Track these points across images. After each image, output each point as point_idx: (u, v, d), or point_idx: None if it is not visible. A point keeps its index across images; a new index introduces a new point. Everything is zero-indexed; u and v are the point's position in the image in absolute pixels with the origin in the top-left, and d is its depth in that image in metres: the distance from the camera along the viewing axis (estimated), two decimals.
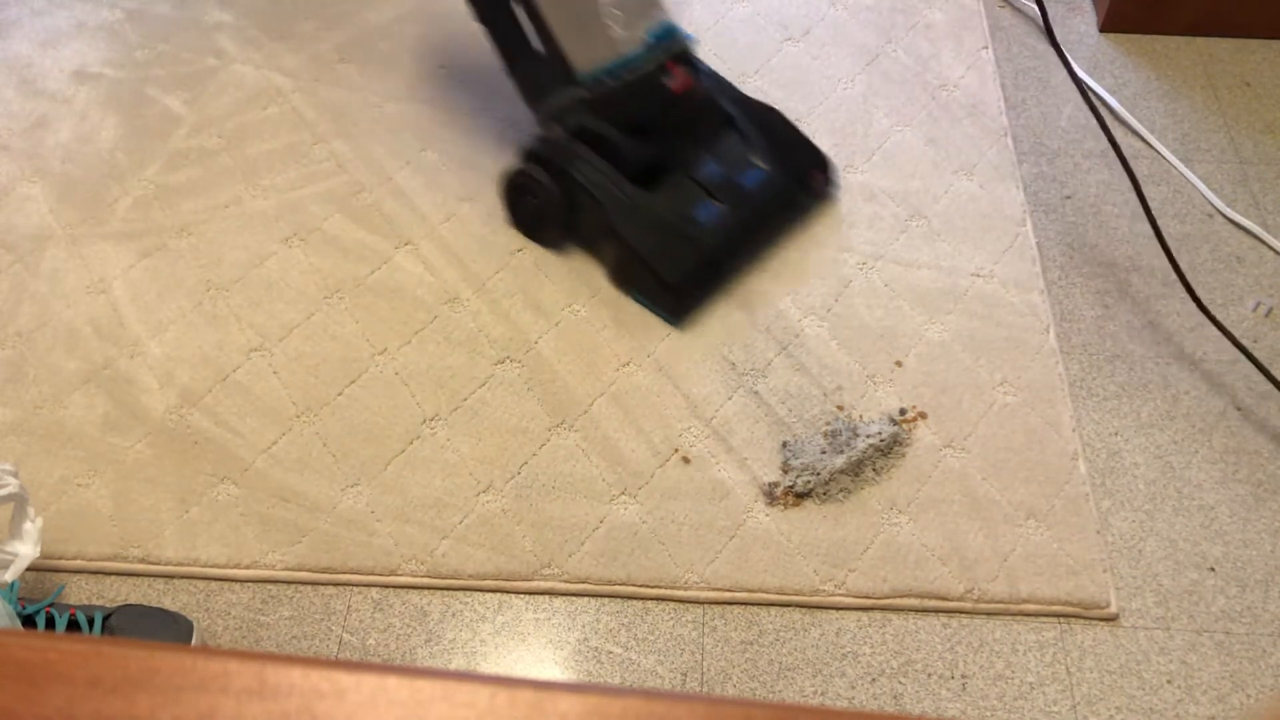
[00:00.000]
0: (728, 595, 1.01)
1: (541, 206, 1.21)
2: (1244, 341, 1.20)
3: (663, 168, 1.19)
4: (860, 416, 1.13)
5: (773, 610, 1.01)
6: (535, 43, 1.19)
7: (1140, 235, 1.30)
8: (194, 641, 0.96)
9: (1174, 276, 1.26)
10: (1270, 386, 1.15)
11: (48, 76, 1.46)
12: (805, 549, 1.03)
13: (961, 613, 1.01)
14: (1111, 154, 1.39)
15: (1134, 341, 1.20)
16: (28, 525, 0.92)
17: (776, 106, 1.28)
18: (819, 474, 1.07)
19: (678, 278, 1.16)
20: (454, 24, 1.53)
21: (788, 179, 1.24)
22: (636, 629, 1.00)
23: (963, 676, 0.97)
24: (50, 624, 0.94)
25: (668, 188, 1.19)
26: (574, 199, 1.18)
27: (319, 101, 1.42)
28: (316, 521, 1.05)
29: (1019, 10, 1.57)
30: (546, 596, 1.02)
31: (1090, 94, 1.35)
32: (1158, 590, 1.02)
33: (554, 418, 1.12)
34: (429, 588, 1.02)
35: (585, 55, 1.14)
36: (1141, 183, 1.35)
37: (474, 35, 1.52)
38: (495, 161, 1.35)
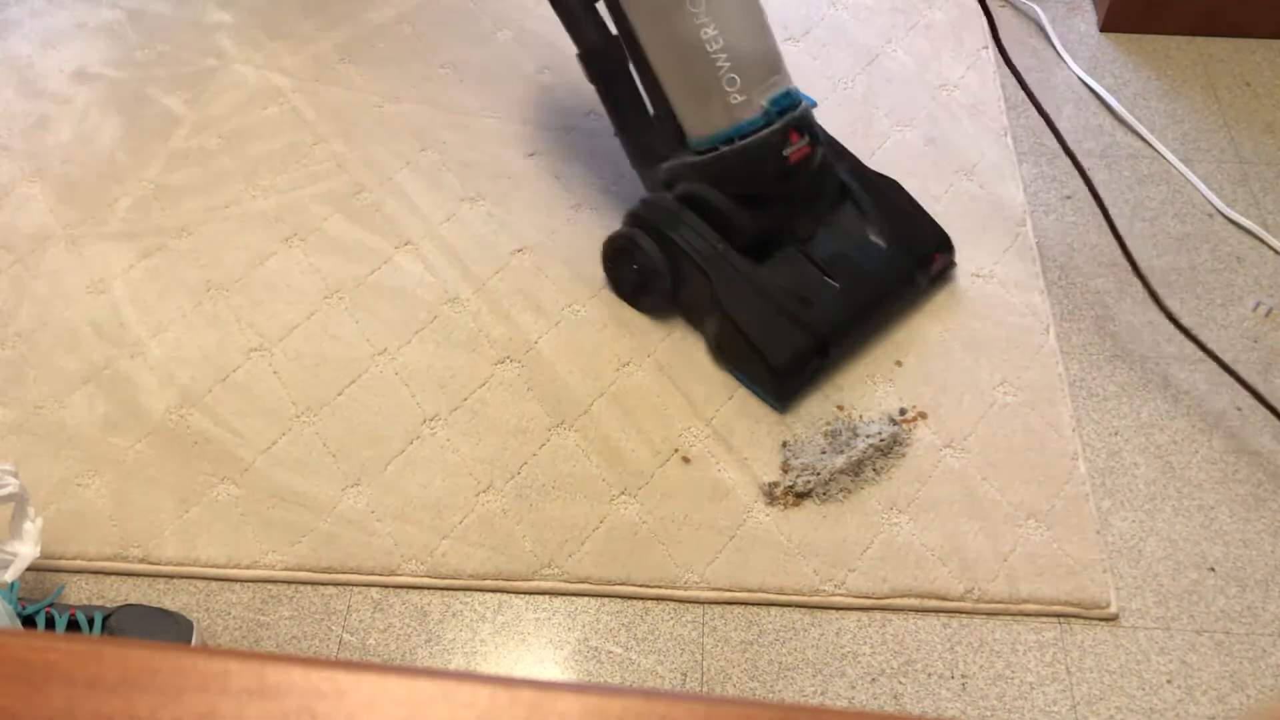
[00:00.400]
0: (728, 595, 1.01)
1: (644, 273, 1.16)
2: (1244, 341, 1.20)
3: (775, 241, 1.14)
4: (860, 416, 1.13)
5: (773, 610, 1.01)
6: (648, 104, 1.15)
7: (1140, 235, 1.30)
8: (194, 641, 0.96)
9: (1174, 276, 1.26)
10: (1270, 386, 1.15)
11: (48, 76, 1.46)
12: (805, 549, 1.03)
13: (961, 613, 1.01)
14: (1111, 154, 1.39)
15: (1134, 341, 1.20)
16: (28, 525, 0.92)
17: (898, 180, 1.22)
18: (819, 474, 1.07)
19: (785, 361, 1.09)
20: (455, 24, 1.53)
21: (907, 258, 1.18)
22: (636, 629, 1.00)
23: (963, 676, 0.97)
24: (50, 624, 0.94)
25: (779, 262, 1.13)
26: (679, 268, 1.13)
27: (319, 101, 1.42)
28: (316, 521, 1.05)
29: (1019, 10, 1.57)
30: (546, 596, 1.02)
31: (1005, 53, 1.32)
32: (1158, 590, 1.02)
33: (554, 418, 1.12)
34: (429, 588, 1.02)
35: (700, 121, 1.09)
36: (1142, 183, 1.35)
37: (475, 35, 1.52)
38: (495, 160, 1.35)
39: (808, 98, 1.15)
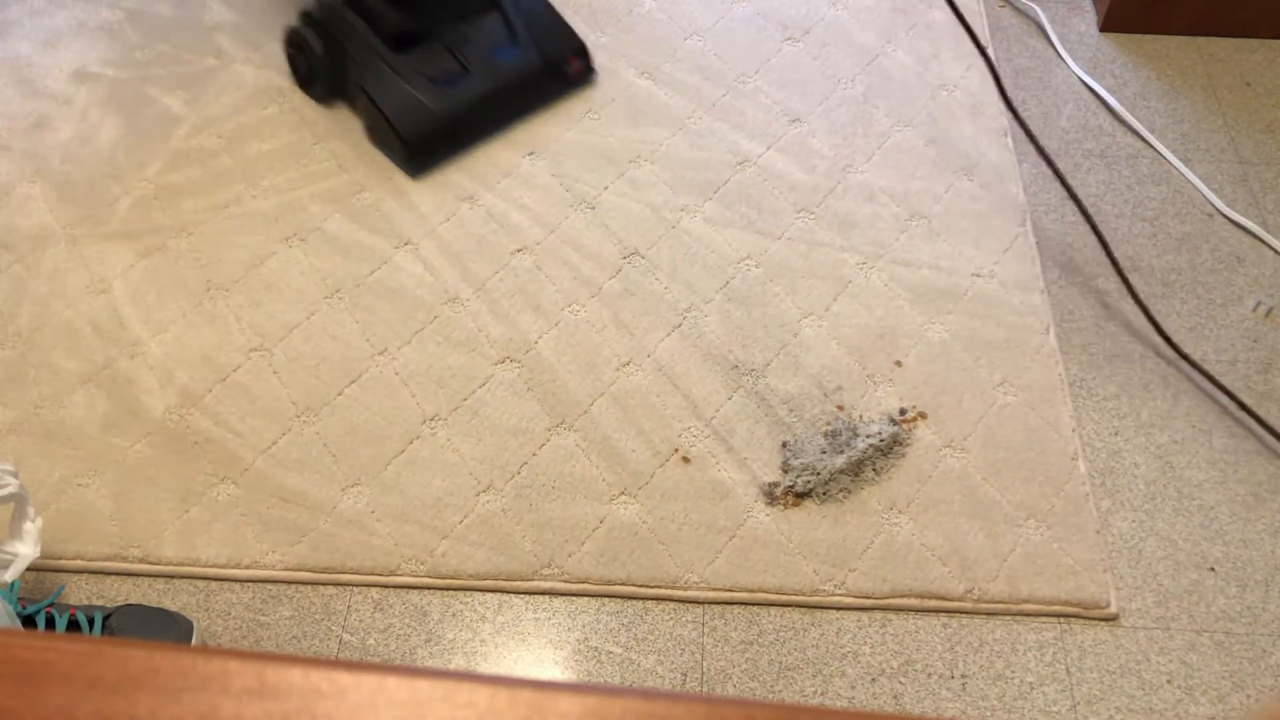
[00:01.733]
0: (728, 595, 1.01)
1: (311, 64, 1.35)
2: (1244, 341, 1.20)
3: (422, 38, 1.31)
4: (860, 416, 1.13)
5: (773, 610, 1.01)
6: None
7: (1140, 235, 1.30)
8: (194, 641, 0.96)
9: (1174, 276, 1.26)
10: (1270, 386, 1.15)
11: (48, 76, 1.46)
12: (805, 549, 1.03)
13: (961, 613, 1.01)
14: (1111, 154, 1.39)
15: (1134, 341, 1.20)
16: (28, 525, 0.92)
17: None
18: (819, 474, 1.07)
19: (415, 135, 1.28)
20: None
21: (541, 60, 1.35)
22: (636, 629, 1.00)
23: (963, 676, 0.97)
24: (50, 624, 0.94)
25: (422, 53, 1.30)
26: (337, 59, 1.32)
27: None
28: (316, 521, 1.05)
29: (1019, 10, 1.57)
30: (546, 596, 1.02)
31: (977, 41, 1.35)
32: (1158, 590, 1.02)
33: (554, 418, 1.12)
34: (429, 588, 1.02)
35: None
36: (1141, 183, 1.35)
37: None
38: (495, 161, 1.35)
39: None
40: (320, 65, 1.34)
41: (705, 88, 1.44)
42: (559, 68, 1.37)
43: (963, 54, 1.49)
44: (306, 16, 1.35)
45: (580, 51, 1.40)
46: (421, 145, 1.30)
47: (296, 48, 1.37)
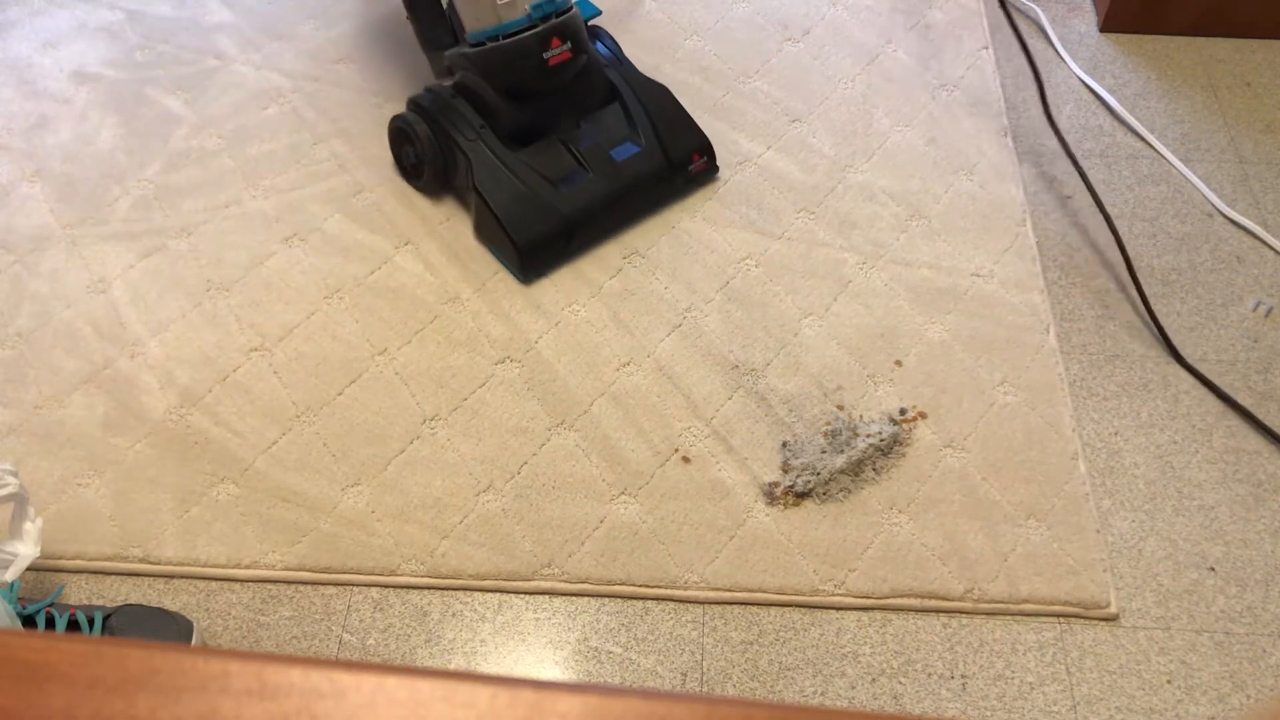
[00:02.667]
0: (728, 595, 1.01)
1: (419, 156, 1.26)
2: (1244, 341, 1.20)
3: (539, 132, 1.24)
4: (860, 416, 1.13)
5: (773, 610, 1.01)
6: None
7: (1140, 235, 1.30)
8: (194, 641, 0.96)
9: (1174, 276, 1.26)
10: (1270, 386, 1.15)
11: (48, 76, 1.46)
12: (805, 549, 1.03)
13: (961, 613, 1.01)
14: (1111, 154, 1.39)
15: (1134, 341, 1.20)
16: (28, 525, 0.92)
17: (668, 87, 1.32)
18: (819, 474, 1.07)
19: (528, 238, 1.20)
20: None
21: (664, 157, 1.27)
22: (636, 629, 1.00)
23: (963, 676, 0.97)
24: (50, 624, 0.94)
25: (538, 150, 1.23)
26: (447, 152, 1.23)
27: (319, 101, 1.42)
28: (316, 521, 1.05)
29: (1019, 10, 1.57)
30: (546, 596, 1.02)
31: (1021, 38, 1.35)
32: (1158, 590, 1.02)
33: (554, 418, 1.12)
34: (429, 588, 1.02)
35: (473, 15, 1.19)
36: (1142, 183, 1.35)
37: None
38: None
39: (591, 8, 1.28)
40: (429, 157, 1.24)
41: (705, 88, 1.44)
42: (682, 166, 1.28)
43: (963, 54, 1.49)
44: (415, 104, 1.26)
45: (704, 148, 1.30)
46: (535, 249, 1.20)
47: (403, 137, 1.27)
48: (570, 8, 1.22)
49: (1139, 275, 1.23)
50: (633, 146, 1.26)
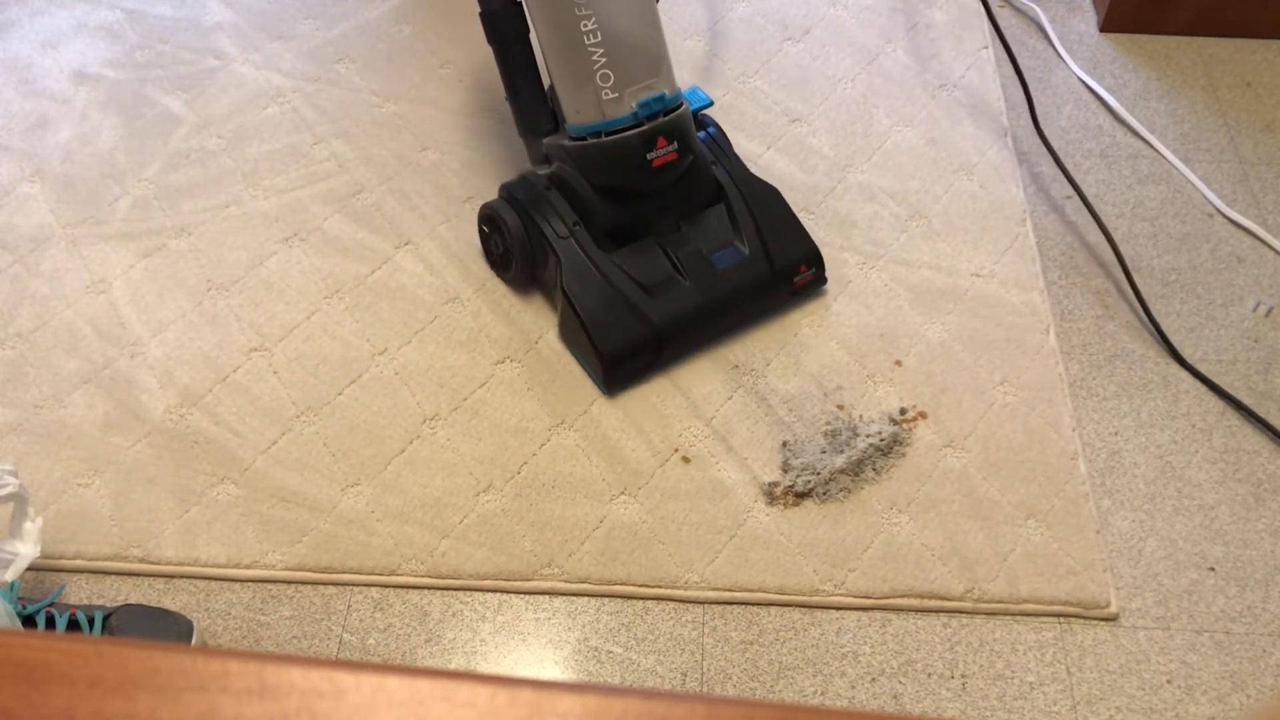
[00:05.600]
0: (728, 595, 1.01)
1: (506, 248, 1.17)
2: (1244, 341, 1.20)
3: (637, 232, 1.15)
4: (860, 416, 1.13)
5: (773, 610, 1.01)
6: (547, 78, 1.16)
7: (1140, 235, 1.30)
8: (194, 641, 0.96)
9: (1174, 276, 1.26)
10: (1270, 386, 1.15)
11: (48, 76, 1.46)
12: (805, 549, 1.03)
13: (961, 613, 1.01)
14: (1111, 154, 1.39)
15: (1134, 341, 1.20)
16: (28, 525, 0.92)
17: (779, 189, 1.21)
18: (819, 474, 1.07)
19: (613, 348, 1.10)
20: (454, 23, 1.53)
21: (768, 266, 1.16)
22: (636, 629, 1.00)
23: (963, 676, 0.97)
24: (50, 624, 0.94)
25: (634, 252, 1.14)
26: (537, 246, 1.15)
27: (319, 101, 1.42)
28: (316, 521, 1.05)
29: (1019, 10, 1.57)
30: (546, 596, 1.02)
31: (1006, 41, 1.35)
32: (1158, 590, 1.02)
33: (554, 418, 1.12)
34: (429, 588, 1.02)
35: (574, 107, 1.11)
36: (1142, 183, 1.35)
37: (474, 36, 1.52)
38: (496, 161, 1.35)
39: (703, 98, 1.20)
40: (517, 250, 1.15)
41: (705, 88, 1.44)
42: (787, 276, 1.17)
43: (963, 54, 1.49)
44: (507, 193, 1.17)
45: (813, 258, 1.19)
46: (620, 360, 1.11)
47: (492, 226, 1.19)
48: (680, 105, 1.12)
49: (1136, 278, 1.23)
50: (735, 253, 1.16)
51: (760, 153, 1.36)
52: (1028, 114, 1.43)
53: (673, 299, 1.12)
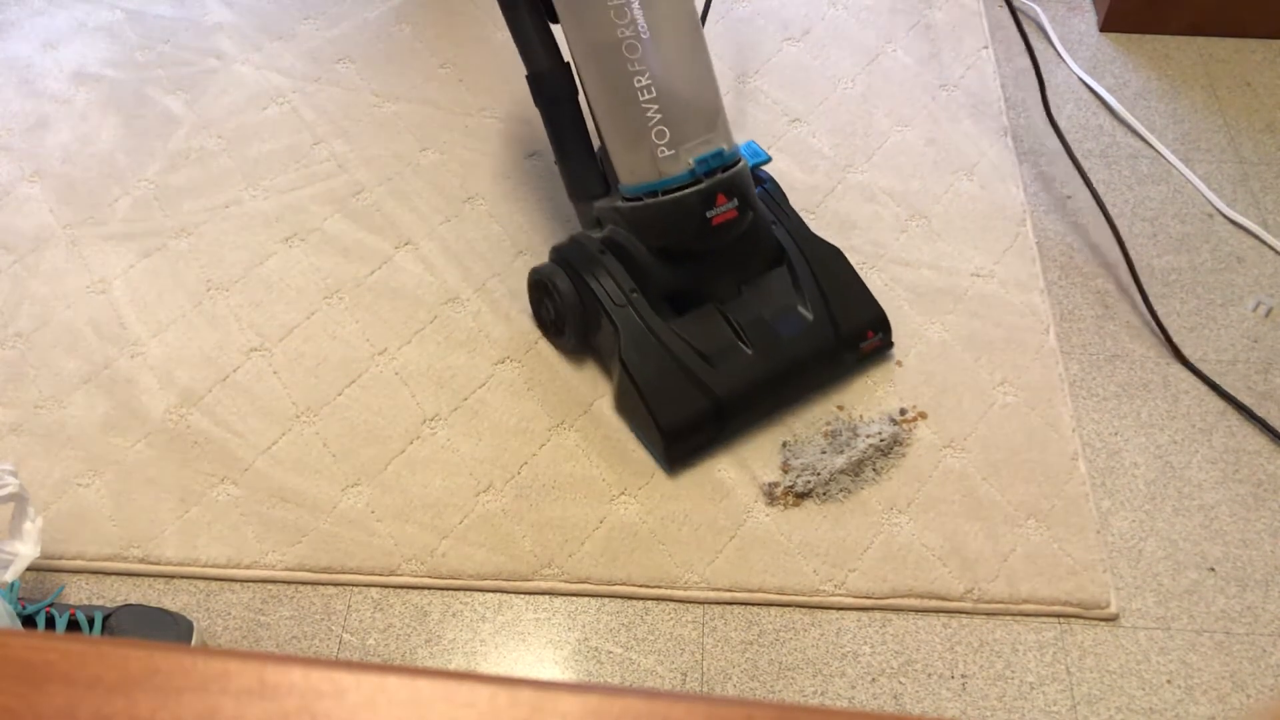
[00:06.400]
0: (728, 595, 1.01)
1: (560, 313, 1.12)
2: (1244, 341, 1.20)
3: (695, 297, 1.10)
4: (860, 416, 1.13)
5: (773, 610, 1.01)
6: (596, 139, 1.12)
7: (1140, 235, 1.30)
8: (194, 641, 0.96)
9: (1174, 276, 1.26)
10: (1270, 386, 1.15)
11: (48, 76, 1.46)
12: (805, 549, 1.03)
13: (961, 613, 1.01)
14: (1111, 154, 1.39)
15: (1134, 341, 1.20)
16: (28, 525, 0.92)
17: (842, 249, 1.16)
18: (819, 474, 1.07)
19: (674, 421, 1.06)
20: (455, 24, 1.53)
21: (834, 333, 1.11)
22: (636, 629, 1.00)
23: (963, 676, 0.97)
24: (50, 624, 0.94)
25: (693, 319, 1.09)
26: (591, 312, 1.09)
27: (319, 101, 1.42)
28: (316, 521, 1.05)
29: (1019, 10, 1.57)
30: (546, 596, 1.02)
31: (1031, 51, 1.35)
32: (1158, 590, 1.02)
33: (554, 418, 1.12)
34: (429, 588, 1.02)
35: (629, 167, 1.06)
36: (1142, 183, 1.35)
37: (475, 36, 1.52)
38: (496, 161, 1.35)
39: (759, 154, 1.15)
40: (572, 316, 1.10)
41: None
42: (853, 343, 1.12)
43: (963, 54, 1.49)
44: (559, 256, 1.11)
45: (880, 323, 1.14)
46: (681, 434, 1.06)
47: (543, 291, 1.14)
48: (739, 161, 1.07)
49: (1140, 275, 1.23)
50: (799, 319, 1.10)
51: None
52: (1027, 113, 1.43)
53: (735, 368, 1.07)
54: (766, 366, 1.08)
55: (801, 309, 1.11)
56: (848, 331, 1.12)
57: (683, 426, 1.06)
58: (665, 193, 1.04)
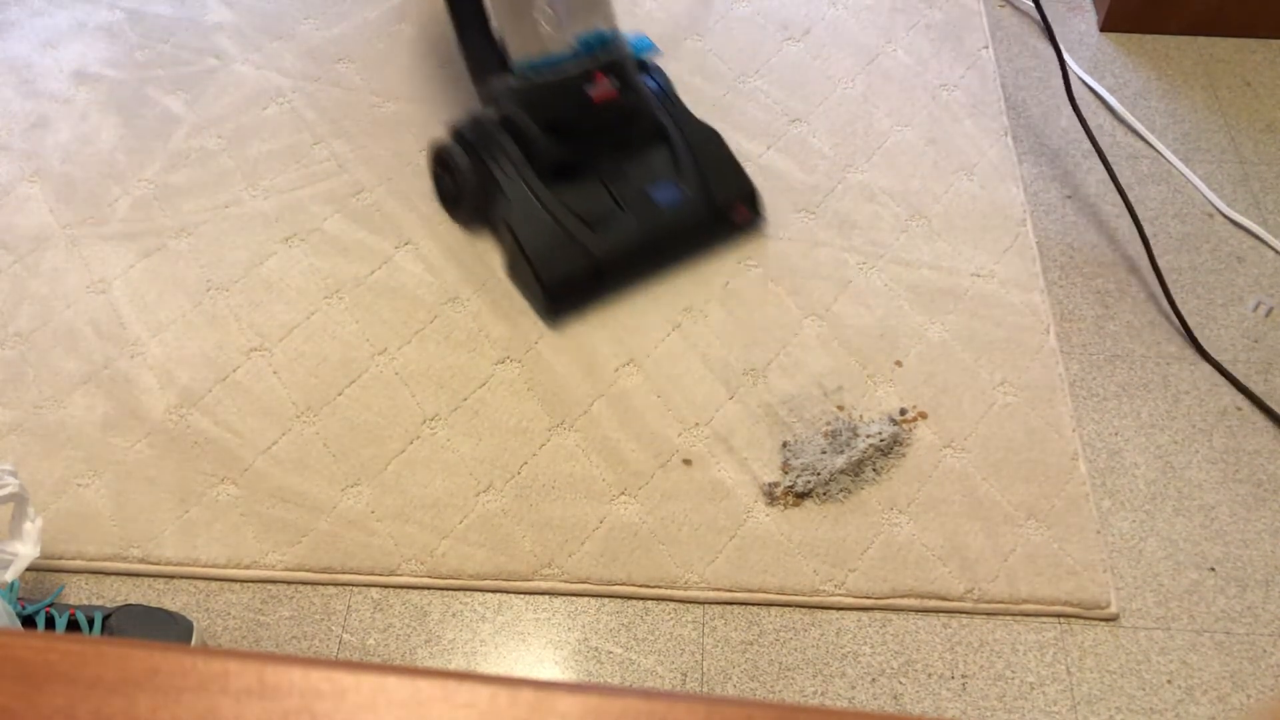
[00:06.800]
0: (728, 595, 1.01)
1: (458, 185, 1.22)
2: (1244, 341, 1.20)
3: (581, 170, 1.20)
4: (860, 416, 1.13)
5: (773, 610, 1.01)
6: (491, 19, 1.23)
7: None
8: (194, 641, 0.96)
9: (1174, 276, 1.26)
10: (1270, 386, 1.15)
11: (48, 76, 1.46)
12: (805, 549, 1.03)
13: (961, 613, 1.01)
14: (1112, 154, 1.38)
15: (1134, 341, 1.20)
16: (28, 525, 0.92)
17: (719, 131, 1.26)
18: (819, 474, 1.07)
19: (554, 277, 1.16)
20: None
21: (707, 204, 1.21)
22: (636, 629, 1.00)
23: (963, 676, 0.97)
24: (50, 624, 0.94)
25: (577, 188, 1.19)
26: (485, 184, 1.20)
27: (319, 101, 1.42)
28: (316, 521, 1.05)
29: (1019, 10, 1.57)
30: (546, 596, 1.02)
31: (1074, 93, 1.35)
32: (1158, 590, 1.02)
33: (554, 418, 1.12)
34: (429, 588, 1.02)
35: (518, 45, 1.17)
36: (1142, 182, 1.35)
37: None
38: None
39: (649, 45, 1.26)
40: (467, 189, 1.21)
41: (705, 88, 1.44)
42: (725, 214, 1.23)
43: (963, 54, 1.49)
44: (457, 134, 1.22)
45: (749, 197, 1.25)
46: (562, 291, 1.17)
47: (443, 166, 1.25)
48: (620, 44, 1.19)
49: (1158, 266, 1.23)
50: (675, 191, 1.21)
51: (760, 152, 1.36)
52: (1027, 113, 1.43)
53: (614, 233, 1.18)
54: (643, 231, 1.19)
55: (678, 182, 1.22)
56: (720, 203, 1.23)
57: (563, 283, 1.17)
58: (550, 70, 1.16)
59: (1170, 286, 1.23)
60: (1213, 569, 1.03)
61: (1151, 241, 1.29)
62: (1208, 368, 1.17)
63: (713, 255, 1.25)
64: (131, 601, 0.99)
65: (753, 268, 1.25)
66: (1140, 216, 1.31)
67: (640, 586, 1.01)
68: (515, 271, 1.21)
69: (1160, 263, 1.27)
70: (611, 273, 1.19)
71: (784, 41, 1.51)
